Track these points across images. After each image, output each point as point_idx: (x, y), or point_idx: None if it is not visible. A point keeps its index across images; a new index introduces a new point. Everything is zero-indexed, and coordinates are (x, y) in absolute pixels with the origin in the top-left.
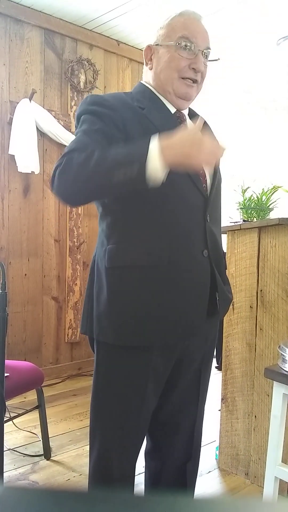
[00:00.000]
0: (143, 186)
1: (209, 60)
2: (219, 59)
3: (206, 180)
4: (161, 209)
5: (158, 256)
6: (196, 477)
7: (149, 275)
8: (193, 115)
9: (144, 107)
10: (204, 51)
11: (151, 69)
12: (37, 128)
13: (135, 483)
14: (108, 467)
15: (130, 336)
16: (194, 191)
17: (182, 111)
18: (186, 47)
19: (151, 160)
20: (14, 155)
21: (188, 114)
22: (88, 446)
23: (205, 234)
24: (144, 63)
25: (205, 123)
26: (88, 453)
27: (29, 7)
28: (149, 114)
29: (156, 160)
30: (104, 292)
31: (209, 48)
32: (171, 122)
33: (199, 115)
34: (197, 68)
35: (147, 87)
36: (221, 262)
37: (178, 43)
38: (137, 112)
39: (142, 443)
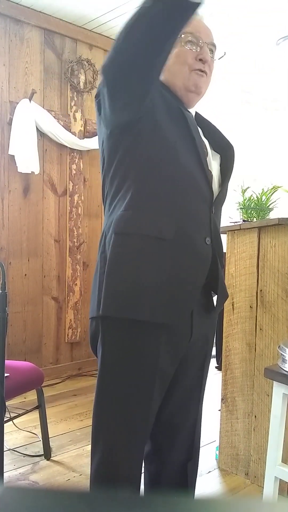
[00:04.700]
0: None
1: (215, 59)
2: (225, 53)
3: (212, 176)
4: (174, 186)
5: (164, 229)
6: (196, 477)
7: (151, 246)
8: (200, 120)
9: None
10: (209, 45)
11: None
12: (37, 128)
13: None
14: (114, 469)
15: (123, 306)
16: (204, 182)
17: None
18: (191, 40)
19: None
20: (14, 155)
21: (195, 119)
22: (89, 446)
23: (209, 224)
24: None
25: (211, 124)
26: (90, 453)
27: (29, 7)
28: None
29: None
30: (107, 263)
31: (214, 44)
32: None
33: (208, 121)
34: (204, 58)
35: None
36: (222, 257)
37: (183, 38)
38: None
39: (147, 442)
